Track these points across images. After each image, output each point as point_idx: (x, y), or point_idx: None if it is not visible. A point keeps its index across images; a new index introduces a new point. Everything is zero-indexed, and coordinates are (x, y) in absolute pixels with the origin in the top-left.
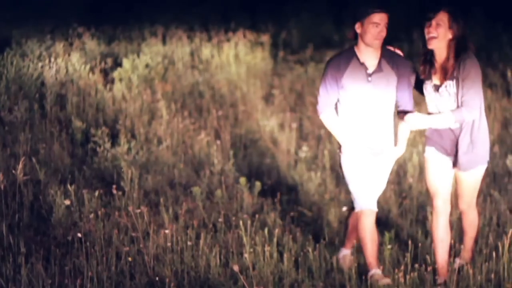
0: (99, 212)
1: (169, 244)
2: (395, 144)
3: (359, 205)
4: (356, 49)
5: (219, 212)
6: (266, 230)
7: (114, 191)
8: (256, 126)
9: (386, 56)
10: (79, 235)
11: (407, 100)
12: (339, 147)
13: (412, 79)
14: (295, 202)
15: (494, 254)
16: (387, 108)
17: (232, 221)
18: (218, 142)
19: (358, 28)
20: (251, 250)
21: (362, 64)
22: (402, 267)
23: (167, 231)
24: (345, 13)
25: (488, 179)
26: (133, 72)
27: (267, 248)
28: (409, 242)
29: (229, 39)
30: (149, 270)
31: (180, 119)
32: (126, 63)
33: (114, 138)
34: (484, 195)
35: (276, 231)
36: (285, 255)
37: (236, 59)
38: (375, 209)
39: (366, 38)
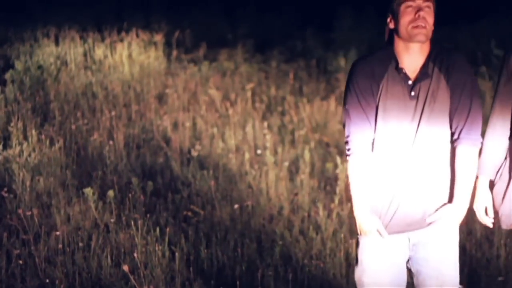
0: None
1: (60, 246)
2: (450, 200)
3: None
4: (394, 50)
5: (112, 213)
6: (158, 230)
7: (5, 194)
8: (150, 126)
9: (436, 56)
10: None
11: (461, 125)
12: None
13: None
14: (187, 201)
15: None
16: (440, 142)
17: (124, 221)
18: (111, 142)
19: (390, 22)
20: (143, 249)
21: (401, 70)
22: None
23: (58, 233)
24: (239, 11)
25: None
26: (25, 74)
27: (158, 248)
28: (301, 238)
29: (122, 39)
30: (40, 273)
31: (72, 120)
32: (18, 64)
33: (5, 140)
34: None
35: (168, 230)
36: (176, 254)
37: (129, 59)
38: None
39: (401, 31)
